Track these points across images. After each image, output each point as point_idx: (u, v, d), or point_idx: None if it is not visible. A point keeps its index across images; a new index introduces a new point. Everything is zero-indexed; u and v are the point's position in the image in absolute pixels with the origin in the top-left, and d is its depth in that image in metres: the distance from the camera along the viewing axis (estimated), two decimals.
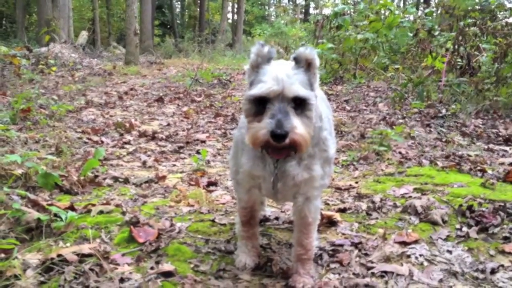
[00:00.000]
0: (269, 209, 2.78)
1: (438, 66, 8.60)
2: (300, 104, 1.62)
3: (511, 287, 1.92)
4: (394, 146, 4.62)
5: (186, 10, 42.70)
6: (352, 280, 1.93)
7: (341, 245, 2.28)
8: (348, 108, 7.65)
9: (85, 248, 2.02)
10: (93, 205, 2.65)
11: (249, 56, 1.73)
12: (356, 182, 3.45)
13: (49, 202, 2.54)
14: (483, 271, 2.03)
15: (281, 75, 1.61)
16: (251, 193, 1.99)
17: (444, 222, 2.56)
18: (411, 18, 11.32)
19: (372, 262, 2.12)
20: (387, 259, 2.14)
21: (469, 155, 4.30)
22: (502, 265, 2.08)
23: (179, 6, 42.45)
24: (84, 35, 18.64)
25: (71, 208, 2.52)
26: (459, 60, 9.11)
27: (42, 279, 1.82)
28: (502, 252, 2.22)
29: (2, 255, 1.95)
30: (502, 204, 2.71)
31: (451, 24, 9.92)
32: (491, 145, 4.90)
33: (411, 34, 10.22)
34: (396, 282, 1.95)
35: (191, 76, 11.02)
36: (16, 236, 2.14)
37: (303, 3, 43.94)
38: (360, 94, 8.96)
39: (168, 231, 2.34)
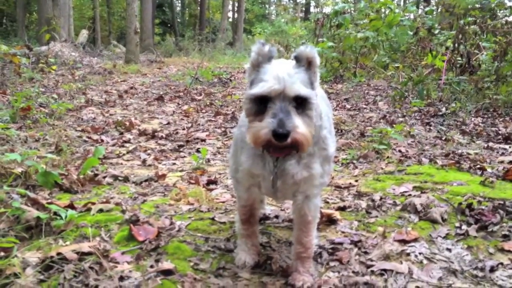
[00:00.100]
0: (269, 208, 2.78)
1: (438, 64, 8.60)
2: (301, 103, 1.62)
3: (510, 285, 1.92)
4: (394, 145, 4.62)
5: (187, 9, 42.69)
6: (351, 278, 1.93)
7: (341, 243, 2.28)
8: (348, 106, 7.65)
9: (85, 247, 2.03)
10: (93, 203, 2.64)
11: (250, 55, 1.72)
12: (356, 181, 3.45)
13: (49, 201, 2.53)
14: (482, 269, 2.03)
15: (282, 74, 1.61)
16: (251, 191, 1.99)
17: (444, 220, 2.56)
18: (411, 16, 11.34)
19: (371, 260, 2.12)
20: (387, 257, 2.15)
21: (468, 154, 4.30)
22: (501, 263, 2.08)
23: (180, 4, 42.42)
24: (84, 34, 18.64)
25: (71, 206, 2.52)
26: (459, 58, 9.11)
27: (41, 277, 1.82)
28: (502, 250, 2.22)
29: (2, 254, 1.95)
30: (502, 202, 2.71)
31: (451, 23, 9.92)
32: (490, 144, 4.90)
33: (411, 33, 10.23)
34: (395, 280, 1.95)
35: (191, 74, 11.02)
36: (15, 235, 2.15)
37: (304, 1, 43.92)
38: (360, 93, 8.97)
39: (168, 230, 2.34)
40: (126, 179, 3.39)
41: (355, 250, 2.21)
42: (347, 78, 10.97)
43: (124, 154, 4.26)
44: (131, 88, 9.66)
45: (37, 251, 2.03)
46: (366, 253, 2.20)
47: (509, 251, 2.21)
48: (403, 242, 2.30)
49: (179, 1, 42.20)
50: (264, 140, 1.58)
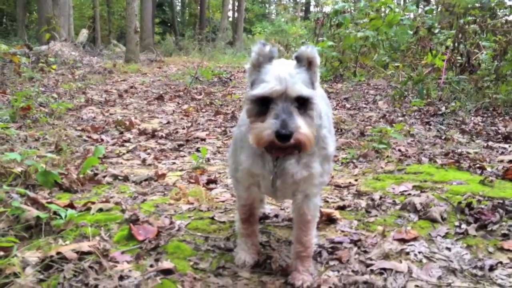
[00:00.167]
0: (269, 207, 2.78)
1: (438, 64, 8.60)
2: (303, 104, 1.62)
3: (510, 284, 1.92)
4: (394, 144, 4.62)
5: (187, 8, 42.67)
6: (351, 277, 1.93)
7: (340, 243, 2.28)
8: (348, 106, 7.65)
9: (85, 246, 2.03)
10: (93, 203, 2.64)
11: (250, 55, 1.72)
12: (356, 180, 3.45)
13: (49, 200, 2.53)
14: (481, 268, 2.03)
15: (283, 75, 1.61)
16: (251, 191, 1.99)
17: (443, 219, 2.56)
18: (411, 16, 11.32)
19: (371, 259, 2.12)
20: (386, 256, 2.15)
21: (468, 153, 4.30)
22: (501, 262, 2.08)
23: (180, 4, 42.40)
24: (84, 33, 18.64)
25: (71, 206, 2.52)
26: (459, 57, 9.11)
27: (41, 277, 1.82)
28: (501, 249, 2.22)
29: (2, 253, 1.95)
30: (501, 201, 2.72)
31: (451, 22, 9.92)
32: (490, 143, 4.90)
33: (411, 32, 10.22)
34: (395, 279, 1.95)
35: (191, 74, 11.02)
36: (15, 234, 2.15)
37: (304, 0, 43.88)
38: (360, 92, 8.96)
39: (168, 229, 2.34)
40: (126, 179, 3.39)
41: (355, 249, 2.22)
42: (347, 77, 10.97)
43: (124, 154, 4.26)
44: (131, 87, 9.66)
45: (36, 251, 2.03)
46: (365, 252, 2.20)
47: (508, 250, 2.21)
48: (403, 241, 2.30)
49: (179, 1, 42.18)
50: (267, 141, 1.58)
